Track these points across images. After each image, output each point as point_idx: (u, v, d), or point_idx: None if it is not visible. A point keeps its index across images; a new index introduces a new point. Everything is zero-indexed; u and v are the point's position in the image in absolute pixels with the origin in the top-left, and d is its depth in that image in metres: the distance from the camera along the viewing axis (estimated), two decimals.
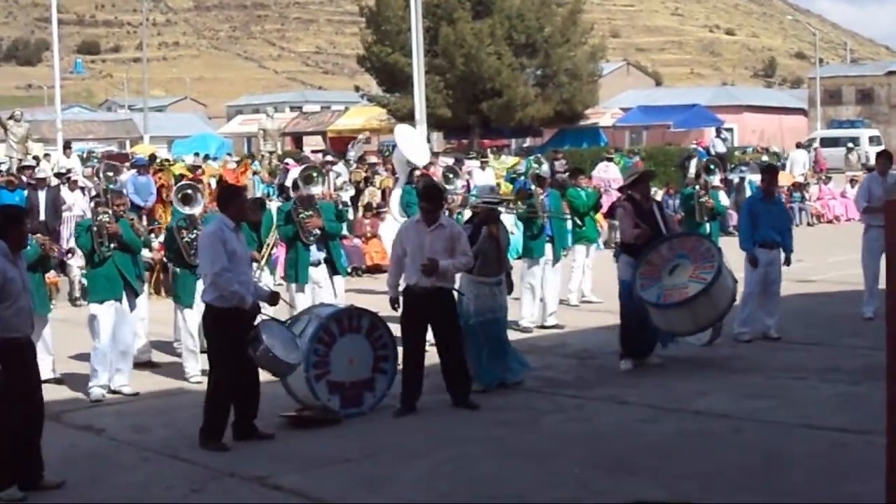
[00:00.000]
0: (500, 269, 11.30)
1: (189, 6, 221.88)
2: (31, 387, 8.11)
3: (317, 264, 13.00)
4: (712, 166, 15.61)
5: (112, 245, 11.44)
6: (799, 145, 43.29)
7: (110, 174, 12.81)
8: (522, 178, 15.80)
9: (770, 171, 14.38)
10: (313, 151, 44.57)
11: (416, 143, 18.75)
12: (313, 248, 12.98)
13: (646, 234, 11.83)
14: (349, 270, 19.56)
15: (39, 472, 8.21)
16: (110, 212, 11.61)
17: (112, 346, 11.42)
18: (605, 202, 21.20)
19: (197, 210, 12.49)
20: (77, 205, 21.59)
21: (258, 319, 9.40)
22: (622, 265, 12.08)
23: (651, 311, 11.60)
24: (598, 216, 19.06)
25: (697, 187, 14.95)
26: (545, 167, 16.70)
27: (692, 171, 16.02)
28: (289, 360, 9.43)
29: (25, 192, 20.53)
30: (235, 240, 9.37)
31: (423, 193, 10.61)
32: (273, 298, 9.65)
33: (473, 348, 10.98)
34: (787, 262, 13.55)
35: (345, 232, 14.74)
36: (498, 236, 11.28)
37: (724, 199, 17.01)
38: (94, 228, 11.47)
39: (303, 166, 24.45)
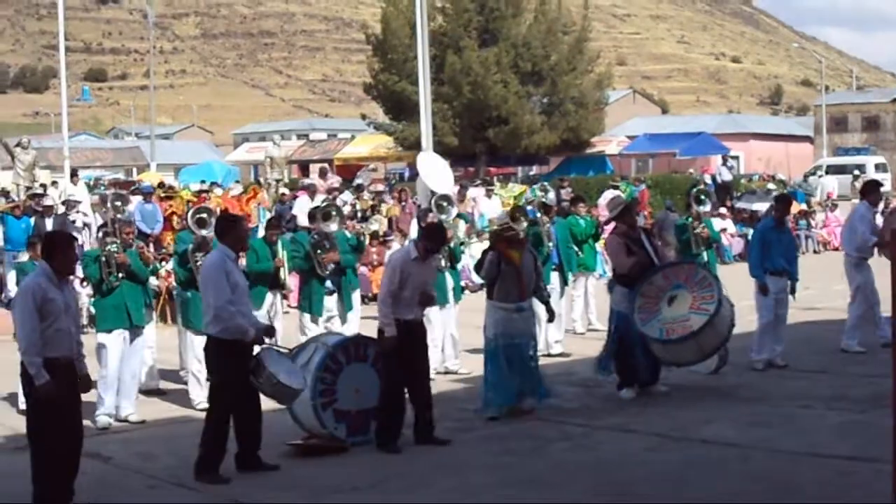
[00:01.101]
0: (521, 295, 11.30)
1: (196, 34, 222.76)
2: (66, 407, 8.14)
3: (330, 293, 13.21)
4: (702, 196, 15.62)
5: (120, 275, 11.51)
6: (828, 170, 43.65)
7: (118, 204, 12.84)
8: (529, 206, 15.77)
9: (783, 201, 14.40)
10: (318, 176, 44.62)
11: (438, 171, 18.81)
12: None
13: (642, 262, 11.84)
14: None
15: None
16: (118, 241, 11.66)
17: (119, 374, 11.46)
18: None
19: (211, 233, 12.53)
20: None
21: (257, 349, 9.40)
22: (617, 295, 12.06)
23: (654, 347, 11.59)
24: (601, 243, 19.02)
25: (691, 218, 14.93)
26: (551, 195, 16.72)
27: None
28: (293, 386, 9.42)
29: (32, 220, 20.57)
30: (237, 270, 9.40)
31: (427, 234, 10.65)
32: (269, 332, 9.65)
33: (490, 372, 11.07)
34: (793, 291, 13.54)
35: None
36: (518, 263, 11.27)
37: (730, 228, 16.93)
38: (103, 258, 11.53)
39: (306, 194, 24.51)
